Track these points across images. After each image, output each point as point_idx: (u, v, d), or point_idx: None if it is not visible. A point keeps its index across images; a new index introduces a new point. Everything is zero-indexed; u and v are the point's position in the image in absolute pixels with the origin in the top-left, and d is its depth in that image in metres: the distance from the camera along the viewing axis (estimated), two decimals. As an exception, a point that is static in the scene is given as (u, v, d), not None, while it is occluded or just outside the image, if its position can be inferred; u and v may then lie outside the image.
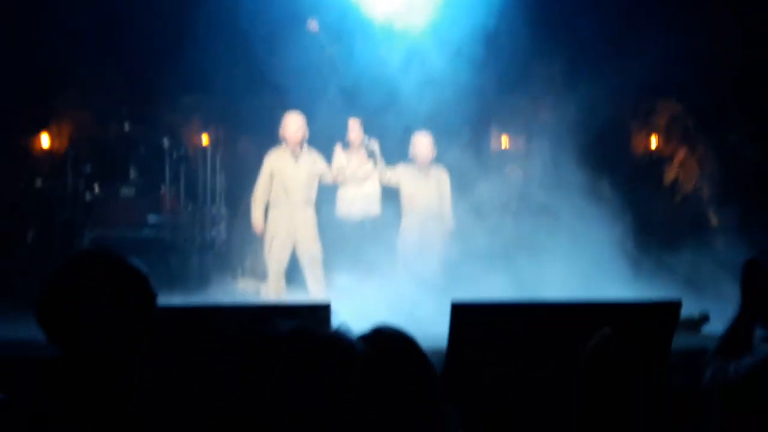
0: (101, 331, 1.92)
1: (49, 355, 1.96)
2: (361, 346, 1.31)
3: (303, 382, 1.25)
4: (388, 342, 1.38)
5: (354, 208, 7.59)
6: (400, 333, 1.54)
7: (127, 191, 8.48)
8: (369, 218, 7.60)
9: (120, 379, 1.93)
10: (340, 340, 1.30)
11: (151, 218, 8.28)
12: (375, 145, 7.51)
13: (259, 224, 7.32)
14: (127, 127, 8.55)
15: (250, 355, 1.27)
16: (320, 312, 3.35)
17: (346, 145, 7.61)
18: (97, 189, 8.39)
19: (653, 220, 8.75)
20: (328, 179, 7.52)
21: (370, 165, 7.56)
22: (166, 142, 8.37)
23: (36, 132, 9.52)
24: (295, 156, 7.34)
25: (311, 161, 7.41)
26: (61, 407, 1.84)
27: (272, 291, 7.25)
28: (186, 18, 7.90)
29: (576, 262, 6.73)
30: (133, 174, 8.56)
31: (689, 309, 3.59)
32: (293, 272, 7.43)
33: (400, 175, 7.58)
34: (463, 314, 3.41)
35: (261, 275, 7.76)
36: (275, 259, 7.30)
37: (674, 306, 3.36)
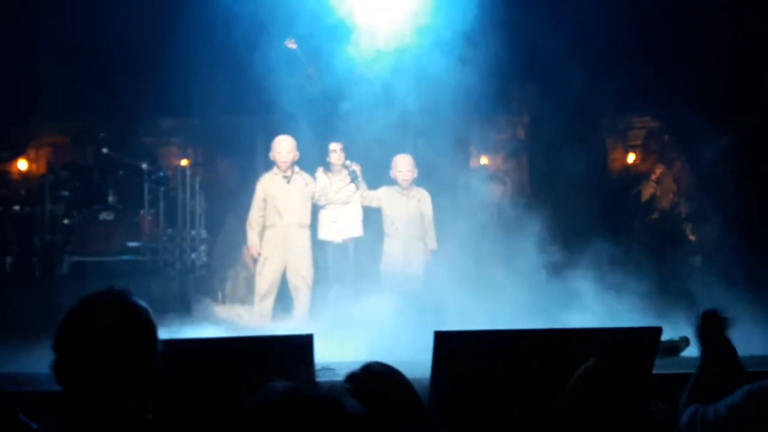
0: (109, 371, 1.95)
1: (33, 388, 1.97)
2: (352, 406, 1.30)
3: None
4: (383, 397, 1.38)
5: (336, 229, 7.58)
6: (393, 380, 1.54)
7: (105, 215, 8.43)
8: (351, 240, 7.60)
9: (126, 418, 1.95)
10: (333, 401, 1.30)
11: (131, 242, 8.24)
12: (356, 168, 7.52)
13: (256, 248, 7.31)
14: (105, 151, 8.50)
15: (248, 421, 1.27)
16: (303, 343, 3.36)
17: (327, 168, 7.60)
18: (75, 214, 8.34)
19: (631, 236, 8.81)
20: (317, 200, 7.52)
21: (351, 187, 7.56)
22: (144, 165, 8.33)
23: (13, 157, 9.47)
24: (287, 179, 7.35)
25: (303, 183, 7.42)
26: None
27: (257, 313, 7.20)
28: (163, 41, 7.88)
29: (552, 280, 6.75)
30: (111, 198, 8.52)
31: (666, 327, 3.63)
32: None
33: (382, 197, 7.60)
34: (445, 343, 3.42)
35: (242, 299, 7.72)
36: (266, 280, 7.25)
37: (654, 332, 3.40)
